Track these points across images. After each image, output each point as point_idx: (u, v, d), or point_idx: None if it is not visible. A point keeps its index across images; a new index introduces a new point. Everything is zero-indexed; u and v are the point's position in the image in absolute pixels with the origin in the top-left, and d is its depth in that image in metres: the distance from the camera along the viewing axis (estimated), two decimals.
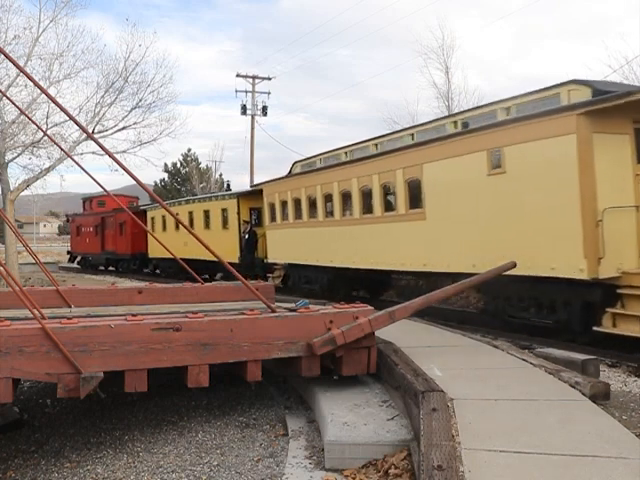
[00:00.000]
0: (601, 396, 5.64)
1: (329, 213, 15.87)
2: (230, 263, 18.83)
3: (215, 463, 5.63)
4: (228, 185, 27.12)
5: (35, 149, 21.66)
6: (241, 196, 21.25)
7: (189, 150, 56.92)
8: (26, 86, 20.30)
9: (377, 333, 7.00)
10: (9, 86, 19.69)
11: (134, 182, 7.35)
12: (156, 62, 24.25)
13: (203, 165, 55.76)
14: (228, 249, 20.25)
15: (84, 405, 7.54)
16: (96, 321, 6.19)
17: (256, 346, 6.35)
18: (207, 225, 23.39)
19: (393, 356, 6.79)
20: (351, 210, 14.78)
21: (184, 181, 55.69)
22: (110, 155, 7.91)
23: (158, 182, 56.15)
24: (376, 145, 15.15)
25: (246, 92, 40.54)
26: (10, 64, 15.90)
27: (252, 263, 19.94)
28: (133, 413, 7.35)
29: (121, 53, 23.51)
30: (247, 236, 20.15)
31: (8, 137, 21.03)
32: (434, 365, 6.54)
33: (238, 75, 40.24)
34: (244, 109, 40.25)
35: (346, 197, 14.91)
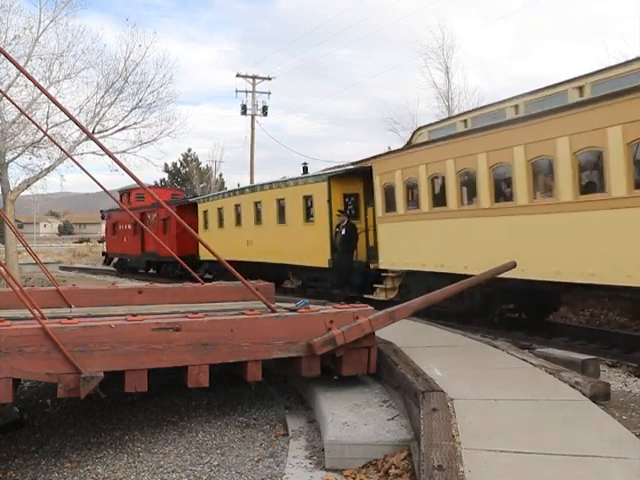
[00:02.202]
0: (601, 396, 5.64)
1: (502, 195, 10.51)
2: (318, 268, 16.01)
3: (215, 463, 5.64)
4: (305, 168, 20.58)
5: (35, 149, 21.69)
6: (334, 178, 15.73)
7: (189, 150, 57.09)
8: (26, 86, 20.34)
9: (377, 333, 7.00)
10: (9, 86, 19.71)
11: (134, 182, 7.35)
12: (156, 62, 24.29)
13: (203, 165, 55.89)
14: (313, 249, 15.69)
15: (84, 405, 7.54)
16: (96, 321, 6.19)
17: (256, 346, 6.36)
18: (281, 218, 17.83)
19: (393, 356, 6.79)
20: (555, 189, 9.39)
21: (184, 181, 55.78)
22: (110, 155, 7.93)
23: (158, 182, 56.20)
24: (580, 88, 10.77)
25: (246, 92, 40.57)
26: (10, 64, 15.90)
27: (350, 268, 14.90)
28: (133, 413, 7.35)
29: (121, 53, 23.55)
30: (343, 232, 14.77)
31: (8, 137, 21.06)
32: (434, 365, 6.54)
33: (238, 75, 40.27)
34: (244, 109, 40.27)
35: (541, 169, 9.73)
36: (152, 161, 24.95)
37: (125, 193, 30.88)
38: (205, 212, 23.27)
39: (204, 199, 24.21)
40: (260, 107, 40.58)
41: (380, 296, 13.96)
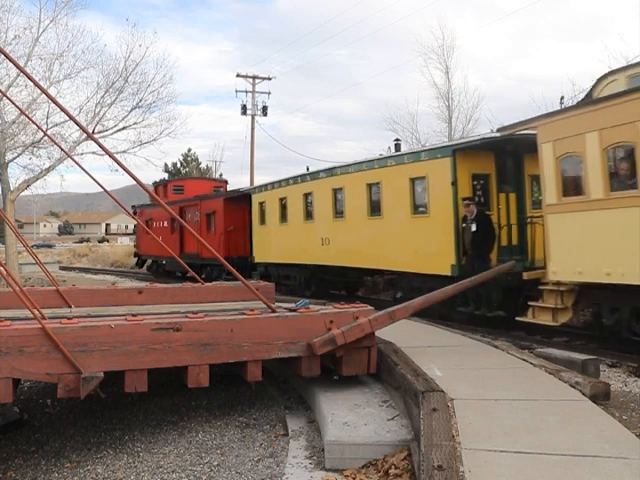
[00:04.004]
0: (601, 396, 5.65)
1: None
2: (435, 277, 11.39)
3: (215, 463, 5.64)
4: (397, 145, 16.37)
5: (35, 149, 21.68)
6: (460, 152, 11.51)
7: (189, 150, 57.03)
8: (26, 86, 20.35)
9: (377, 333, 7.00)
10: (9, 86, 19.72)
11: (134, 182, 7.35)
12: (156, 62, 24.26)
13: (203, 165, 55.87)
14: (428, 251, 11.96)
15: (84, 405, 7.54)
16: (96, 321, 6.19)
17: (256, 346, 6.36)
18: (375, 210, 13.77)
19: (393, 356, 6.79)
20: None
21: None
22: (110, 155, 7.92)
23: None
24: None
25: (246, 92, 40.57)
26: (10, 64, 15.91)
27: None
28: (133, 413, 7.35)
29: (121, 53, 23.59)
30: (474, 227, 11.11)
31: (8, 137, 21.05)
32: (434, 365, 6.55)
33: (238, 75, 40.26)
34: (244, 109, 40.28)
35: None
36: (152, 161, 24.78)
37: (161, 185, 28.00)
38: (261, 204, 19.13)
39: (260, 188, 19.58)
40: (260, 107, 40.60)
41: (542, 319, 9.84)
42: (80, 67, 22.23)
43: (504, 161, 11.74)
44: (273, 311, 6.74)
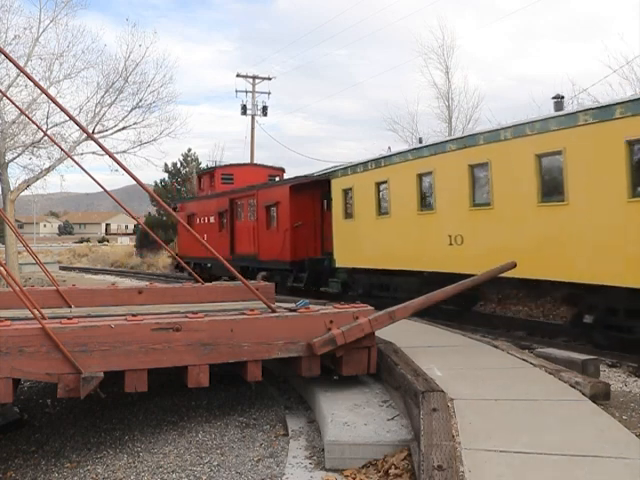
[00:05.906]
0: (601, 396, 5.64)
1: None
2: None
3: (215, 463, 5.63)
4: (559, 101, 10.51)
5: (35, 149, 21.71)
6: None
7: (189, 150, 56.96)
8: (26, 86, 20.39)
9: (377, 333, 7.00)
10: (9, 86, 19.75)
11: (135, 182, 7.35)
12: (156, 62, 24.27)
13: (203, 165, 55.83)
14: None
15: (84, 405, 7.54)
16: (96, 321, 6.19)
17: (256, 346, 6.36)
18: (549, 193, 9.56)
19: (393, 356, 6.79)
20: None
21: (184, 181, 55.68)
22: (110, 155, 7.92)
23: (158, 182, 56.17)
24: None
25: (246, 92, 40.60)
26: (10, 64, 15.92)
27: None
28: (133, 413, 7.35)
29: (121, 53, 23.59)
30: None
31: (8, 137, 21.08)
32: (434, 365, 6.54)
33: (238, 75, 40.30)
34: (244, 109, 40.30)
35: None
36: (152, 161, 24.80)
37: (206, 174, 24.07)
38: (347, 192, 14.68)
39: (345, 170, 14.89)
40: (260, 107, 40.62)
41: None
42: (80, 67, 22.31)
43: None
44: (273, 311, 6.74)
